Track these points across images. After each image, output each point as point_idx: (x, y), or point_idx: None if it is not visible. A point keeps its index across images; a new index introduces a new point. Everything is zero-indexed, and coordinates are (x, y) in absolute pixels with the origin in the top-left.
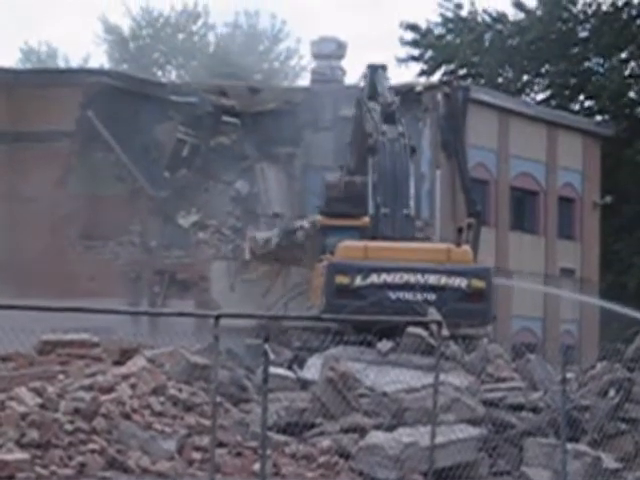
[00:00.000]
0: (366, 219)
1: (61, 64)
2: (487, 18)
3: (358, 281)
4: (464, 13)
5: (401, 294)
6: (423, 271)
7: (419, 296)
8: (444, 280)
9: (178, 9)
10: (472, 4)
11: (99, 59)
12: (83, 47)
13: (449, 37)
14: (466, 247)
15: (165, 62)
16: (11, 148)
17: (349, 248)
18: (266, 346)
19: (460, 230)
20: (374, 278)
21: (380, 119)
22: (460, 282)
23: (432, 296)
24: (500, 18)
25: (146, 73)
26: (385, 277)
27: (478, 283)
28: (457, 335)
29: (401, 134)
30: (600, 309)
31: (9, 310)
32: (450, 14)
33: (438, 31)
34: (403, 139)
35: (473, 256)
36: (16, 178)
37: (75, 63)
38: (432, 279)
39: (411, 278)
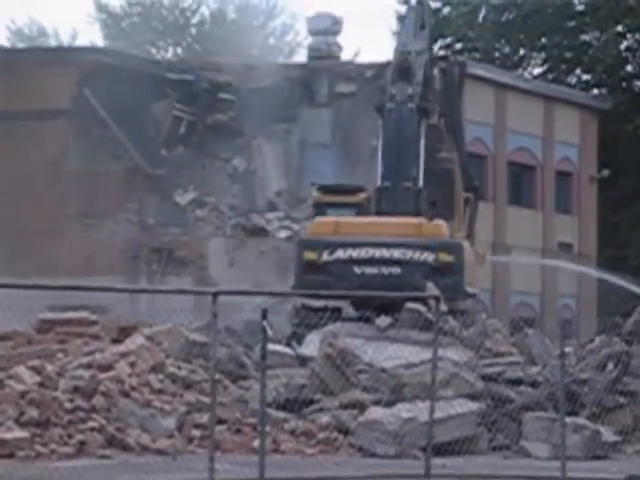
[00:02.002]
0: (362, 195)
1: (52, 43)
2: None
3: (325, 256)
4: None
5: (366, 269)
6: (389, 245)
7: (384, 270)
8: (410, 254)
9: None
10: None
11: (89, 37)
12: (70, 25)
13: (445, 10)
14: (438, 221)
15: (158, 39)
16: (8, 127)
17: (320, 224)
18: (264, 323)
19: (433, 203)
20: (340, 253)
21: (390, 76)
22: (427, 256)
23: (397, 270)
24: None
25: (140, 51)
26: (351, 252)
27: (446, 257)
28: (455, 310)
29: (410, 96)
30: (598, 284)
31: (7, 289)
32: None
33: (434, 5)
34: (411, 102)
35: (446, 229)
36: (13, 157)
37: (65, 41)
38: (397, 253)
39: (376, 253)
